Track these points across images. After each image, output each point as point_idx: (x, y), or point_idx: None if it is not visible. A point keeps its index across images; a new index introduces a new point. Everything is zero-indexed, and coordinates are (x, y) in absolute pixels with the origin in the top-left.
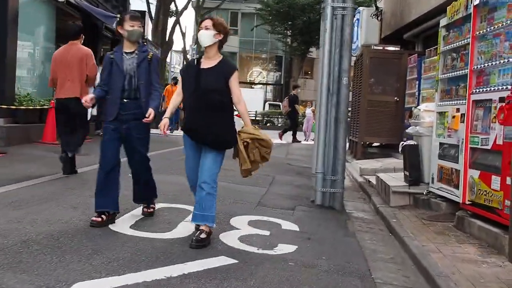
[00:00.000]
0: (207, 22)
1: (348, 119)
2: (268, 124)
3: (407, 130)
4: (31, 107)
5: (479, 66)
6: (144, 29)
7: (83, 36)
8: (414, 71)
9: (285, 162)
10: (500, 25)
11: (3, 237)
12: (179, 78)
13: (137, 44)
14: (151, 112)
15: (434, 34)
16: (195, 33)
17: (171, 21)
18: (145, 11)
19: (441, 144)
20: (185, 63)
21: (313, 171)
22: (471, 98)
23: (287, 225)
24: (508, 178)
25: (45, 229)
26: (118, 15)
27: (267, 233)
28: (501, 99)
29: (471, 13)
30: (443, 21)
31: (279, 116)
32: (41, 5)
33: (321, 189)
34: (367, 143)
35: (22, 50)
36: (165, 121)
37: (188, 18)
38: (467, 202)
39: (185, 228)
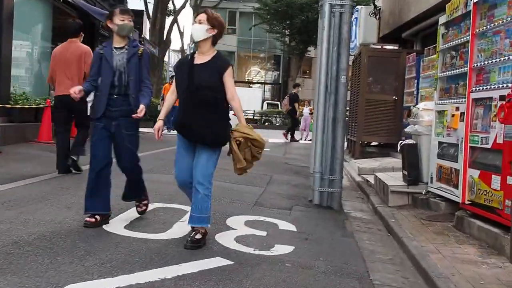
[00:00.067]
0: (201, 16)
1: (346, 118)
2: (266, 124)
3: (405, 129)
4: (26, 106)
5: (479, 64)
6: (134, 23)
7: (83, 34)
8: (413, 70)
9: (282, 161)
10: (500, 22)
11: None
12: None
13: (127, 39)
14: (142, 109)
15: (433, 32)
16: None
17: (169, 20)
18: (142, 10)
19: (440, 143)
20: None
21: (311, 170)
22: (471, 97)
23: (284, 225)
24: (508, 178)
25: (38, 229)
26: None
27: (263, 233)
28: (502, 97)
29: (470, 11)
30: (442, 19)
31: (277, 116)
32: (37, 3)
33: (319, 188)
34: (366, 142)
35: (18, 49)
36: (159, 124)
37: (186, 17)
38: (467, 202)
39: (180, 229)
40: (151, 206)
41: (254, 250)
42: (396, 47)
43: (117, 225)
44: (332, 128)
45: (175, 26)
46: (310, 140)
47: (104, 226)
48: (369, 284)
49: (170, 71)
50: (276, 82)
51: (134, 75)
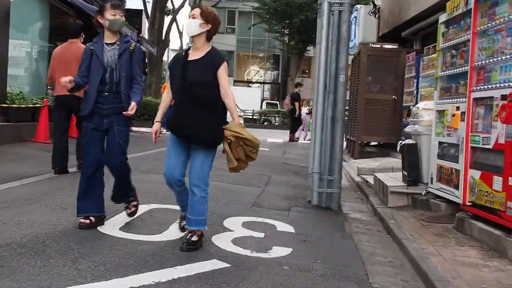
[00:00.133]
0: (195, 11)
1: (346, 117)
2: (265, 123)
3: (405, 129)
4: (23, 106)
5: (480, 63)
6: (126, 18)
7: (83, 35)
8: (412, 69)
9: (281, 161)
10: (501, 20)
11: None
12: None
13: (119, 34)
14: (133, 106)
15: (433, 31)
16: None
17: (168, 19)
18: (141, 9)
19: (440, 143)
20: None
21: (309, 170)
22: (472, 96)
23: (282, 226)
24: (510, 179)
25: (31, 231)
26: None
27: (261, 235)
28: (503, 97)
29: (471, 9)
30: (442, 17)
31: (276, 115)
32: (34, 2)
33: (318, 189)
34: (365, 142)
35: (14, 48)
36: (156, 126)
37: (185, 16)
38: (468, 203)
39: (176, 230)
40: (147, 207)
41: (251, 252)
42: (395, 46)
43: (112, 227)
44: (331, 128)
45: (174, 25)
46: (309, 140)
47: (99, 228)
48: (368, 287)
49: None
50: (275, 81)
51: (126, 72)
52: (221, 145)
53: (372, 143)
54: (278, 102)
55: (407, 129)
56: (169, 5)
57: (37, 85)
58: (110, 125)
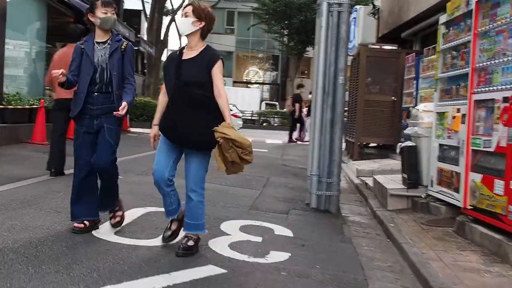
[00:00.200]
0: (187, 9)
1: (345, 119)
2: (264, 124)
3: (405, 131)
4: (19, 107)
5: (481, 64)
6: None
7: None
8: (412, 70)
9: (280, 163)
10: (503, 21)
11: None
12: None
13: (110, 33)
14: (124, 106)
15: (433, 32)
16: None
17: (166, 20)
18: (140, 10)
19: (440, 145)
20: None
21: (308, 173)
22: (473, 98)
23: (280, 230)
24: None
25: (24, 235)
26: None
27: (259, 239)
28: (505, 99)
29: (472, 9)
30: (443, 18)
31: (275, 116)
32: (31, 2)
33: (316, 192)
34: (364, 143)
35: (12, 48)
36: (155, 129)
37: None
38: (468, 207)
39: None
40: (143, 210)
41: (248, 257)
42: (395, 47)
43: (107, 231)
44: (330, 131)
45: (173, 25)
46: (308, 141)
47: (93, 232)
48: None
49: None
50: (274, 82)
51: (117, 71)
52: None
53: (371, 145)
54: (277, 103)
55: (407, 131)
56: (168, 5)
57: (35, 86)
58: (100, 125)
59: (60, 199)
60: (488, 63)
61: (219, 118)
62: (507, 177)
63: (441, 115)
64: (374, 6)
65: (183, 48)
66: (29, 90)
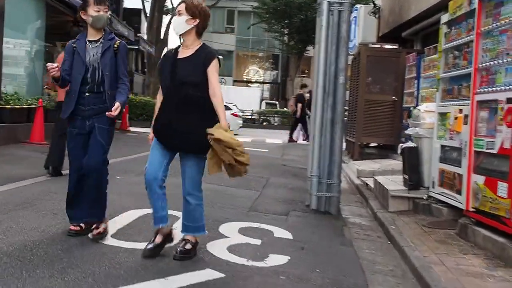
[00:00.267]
0: (180, 7)
1: (345, 118)
2: (264, 123)
3: (406, 131)
4: (18, 106)
5: (484, 64)
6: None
7: None
8: (413, 69)
9: (280, 163)
10: (507, 20)
11: None
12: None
13: (103, 31)
14: (117, 107)
15: (434, 31)
16: None
17: (166, 18)
18: (140, 9)
19: (442, 146)
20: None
21: (308, 173)
22: (475, 99)
23: (280, 232)
24: None
25: (19, 238)
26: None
27: (258, 242)
28: (509, 100)
29: (475, 9)
30: (445, 18)
31: (276, 115)
32: (30, 1)
33: (316, 193)
34: (364, 143)
35: (10, 47)
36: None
37: None
38: (471, 209)
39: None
40: (141, 212)
41: (247, 260)
42: (395, 47)
43: None
44: (330, 131)
45: None
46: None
47: (89, 235)
48: None
49: None
50: (274, 81)
51: (110, 71)
52: None
53: (372, 145)
54: (277, 102)
55: (408, 131)
56: (168, 4)
57: (33, 85)
58: (92, 126)
59: (57, 200)
60: (491, 63)
61: (214, 119)
62: (510, 180)
63: (443, 116)
64: (374, 5)
65: (179, 46)
66: (28, 89)
